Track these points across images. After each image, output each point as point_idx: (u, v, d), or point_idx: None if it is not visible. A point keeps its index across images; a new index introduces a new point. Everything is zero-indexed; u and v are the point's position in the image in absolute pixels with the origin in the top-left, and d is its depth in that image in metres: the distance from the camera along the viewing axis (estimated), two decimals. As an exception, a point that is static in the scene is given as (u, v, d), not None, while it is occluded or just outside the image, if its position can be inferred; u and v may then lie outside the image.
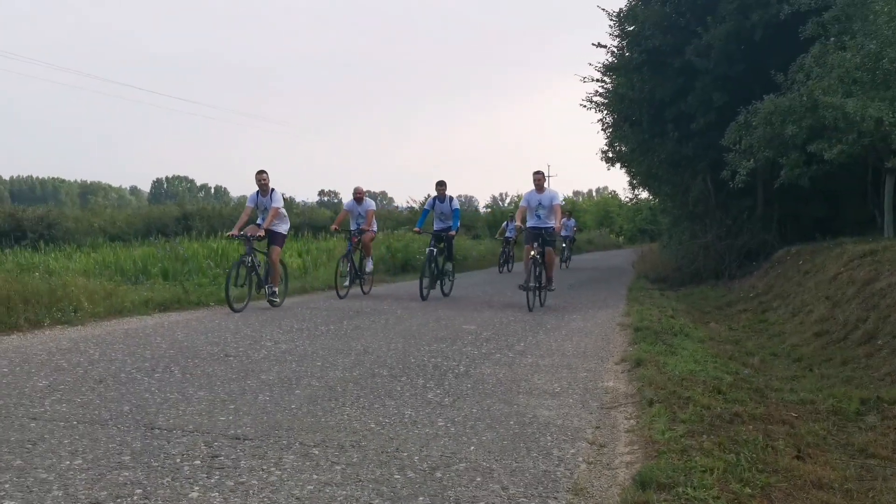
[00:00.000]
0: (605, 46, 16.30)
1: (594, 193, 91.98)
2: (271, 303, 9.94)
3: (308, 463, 3.40)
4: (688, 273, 15.39)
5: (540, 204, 10.50)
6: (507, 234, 20.30)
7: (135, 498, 2.91)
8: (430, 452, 3.62)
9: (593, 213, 57.36)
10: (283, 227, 10.23)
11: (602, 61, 16.68)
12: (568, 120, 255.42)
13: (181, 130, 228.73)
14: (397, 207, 56.46)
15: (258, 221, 9.91)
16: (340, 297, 11.10)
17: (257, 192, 9.93)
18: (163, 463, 3.34)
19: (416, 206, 44.36)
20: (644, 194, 23.24)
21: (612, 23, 15.97)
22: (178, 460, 3.38)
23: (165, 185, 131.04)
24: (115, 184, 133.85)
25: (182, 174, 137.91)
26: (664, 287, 14.52)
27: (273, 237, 9.95)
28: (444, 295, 11.98)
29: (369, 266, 12.07)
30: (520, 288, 10.20)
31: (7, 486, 3.00)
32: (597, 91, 17.34)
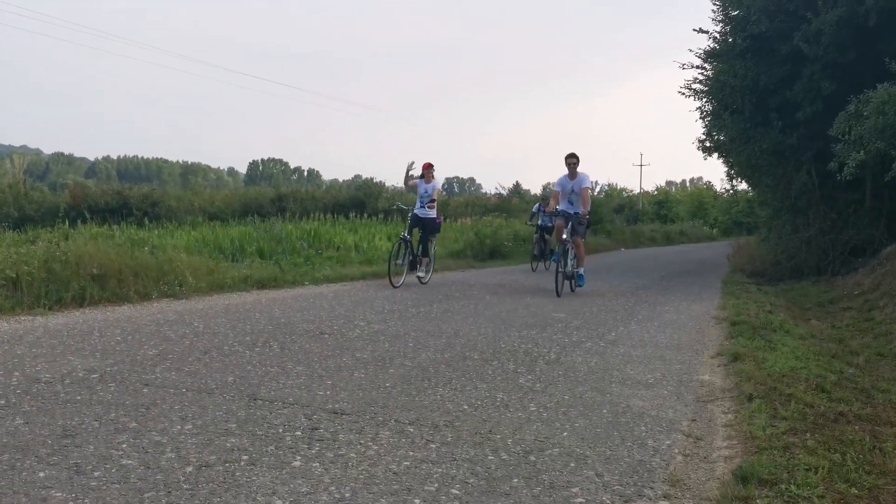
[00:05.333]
0: (706, 32, 15.77)
1: (688, 184, 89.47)
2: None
3: (404, 440, 3.47)
4: (787, 268, 14.78)
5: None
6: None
7: (242, 463, 3.04)
8: (524, 436, 3.63)
9: (686, 204, 55.84)
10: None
11: (703, 47, 16.17)
12: (661, 108, 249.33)
13: (277, 114, 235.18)
14: (485, 193, 56.53)
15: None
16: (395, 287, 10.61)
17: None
18: (266, 432, 3.48)
19: (504, 192, 44.26)
20: (742, 185, 22.42)
21: (715, 7, 15.44)
22: (280, 430, 3.52)
23: (261, 168, 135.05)
24: (213, 165, 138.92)
25: (277, 157, 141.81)
26: (761, 281, 14.01)
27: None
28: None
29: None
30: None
31: (125, 446, 3.19)
32: (696, 78, 16.79)
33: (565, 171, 10.91)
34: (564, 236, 10.62)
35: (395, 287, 10.42)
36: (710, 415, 4.27)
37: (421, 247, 11.32)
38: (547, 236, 15.84)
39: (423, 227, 11.34)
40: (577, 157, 10.77)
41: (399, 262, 10.90)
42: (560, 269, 10.46)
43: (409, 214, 11.42)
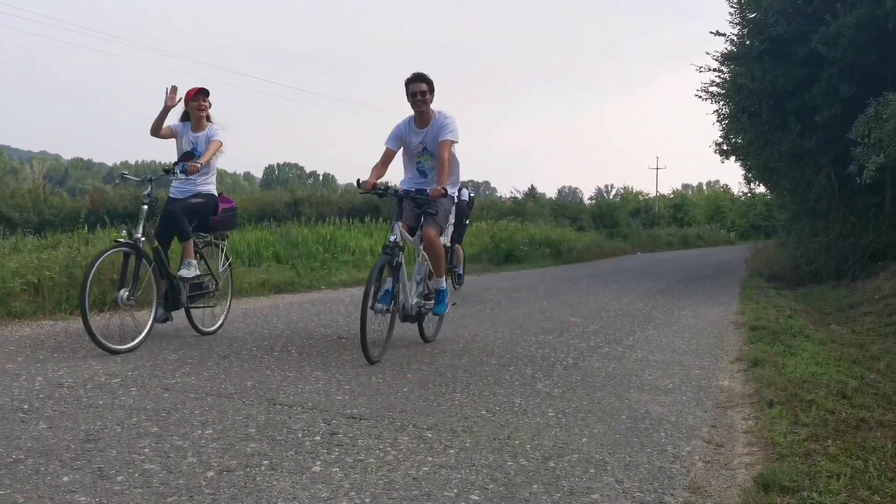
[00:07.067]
0: (723, 35, 15.71)
1: (704, 187, 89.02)
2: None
3: (422, 445, 3.48)
4: (806, 272, 14.67)
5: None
6: None
7: (262, 468, 3.06)
8: (542, 442, 3.63)
9: (703, 207, 55.52)
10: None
11: (720, 50, 16.11)
12: (677, 111, 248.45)
13: (292, 119, 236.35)
14: (500, 197, 56.44)
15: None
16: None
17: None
18: (286, 437, 3.50)
19: (519, 195, 44.21)
20: (760, 189, 22.28)
21: (732, 10, 15.38)
22: (299, 435, 3.53)
23: (276, 172, 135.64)
24: (229, 170, 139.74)
25: (292, 161, 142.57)
26: (780, 286, 13.92)
27: None
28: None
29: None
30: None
31: (147, 450, 3.21)
32: (713, 81, 16.74)
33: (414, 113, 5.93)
34: (413, 239, 5.82)
35: (112, 352, 5.15)
36: (730, 421, 4.25)
37: (183, 259, 5.97)
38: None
39: (184, 219, 5.91)
40: (428, 83, 5.80)
41: (124, 294, 5.24)
42: (380, 304, 5.37)
43: (146, 193, 5.60)
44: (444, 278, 6.07)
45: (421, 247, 5.87)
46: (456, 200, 6.29)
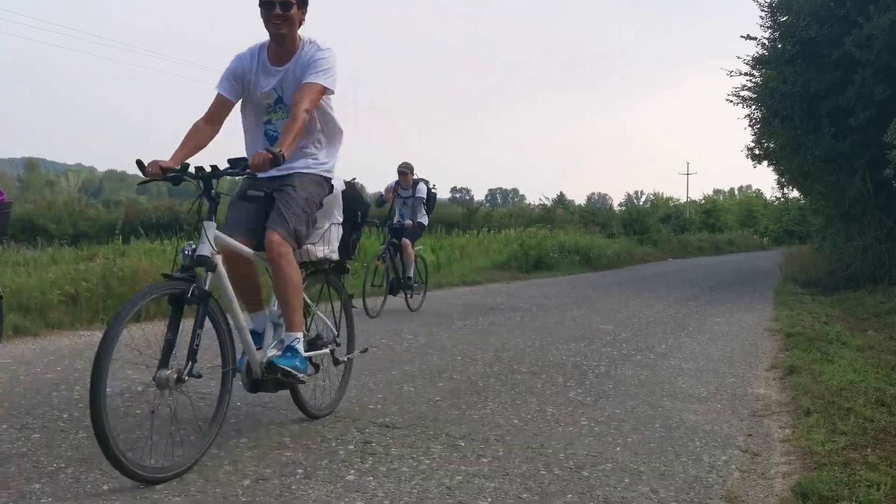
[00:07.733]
0: (754, 38, 15.57)
1: (736, 192, 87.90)
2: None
3: (455, 454, 3.48)
4: (842, 277, 14.43)
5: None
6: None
7: (297, 476, 3.09)
8: (576, 451, 3.61)
9: (735, 212, 54.81)
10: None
11: (751, 54, 15.96)
12: (707, 116, 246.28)
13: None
14: (529, 204, 56.34)
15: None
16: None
17: None
18: (319, 446, 3.53)
19: (547, 202, 44.03)
20: (793, 193, 21.98)
21: (763, 13, 15.24)
22: (333, 444, 3.56)
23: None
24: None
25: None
26: (815, 291, 13.71)
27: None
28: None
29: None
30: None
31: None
32: (744, 85, 16.57)
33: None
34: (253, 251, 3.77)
35: None
36: (766, 430, 4.19)
37: None
38: (395, 243, 9.30)
39: None
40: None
41: None
42: (163, 371, 3.29)
43: None
44: (299, 333, 3.62)
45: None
46: (335, 188, 3.90)
